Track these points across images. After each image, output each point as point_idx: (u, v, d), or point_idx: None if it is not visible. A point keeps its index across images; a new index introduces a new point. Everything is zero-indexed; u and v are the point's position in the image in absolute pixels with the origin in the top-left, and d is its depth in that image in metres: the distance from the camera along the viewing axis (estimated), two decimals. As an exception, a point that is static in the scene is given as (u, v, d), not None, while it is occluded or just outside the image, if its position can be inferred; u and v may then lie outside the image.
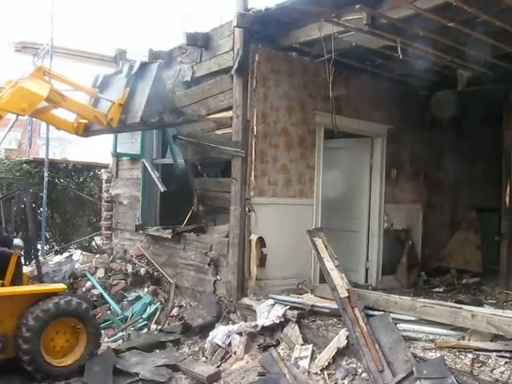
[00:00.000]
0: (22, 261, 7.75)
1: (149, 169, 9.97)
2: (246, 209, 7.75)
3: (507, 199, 8.99)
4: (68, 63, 13.57)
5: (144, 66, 7.34)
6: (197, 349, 7.39)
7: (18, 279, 6.60)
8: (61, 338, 6.55)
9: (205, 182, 9.02)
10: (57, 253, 12.01)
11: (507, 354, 5.21)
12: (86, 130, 7.50)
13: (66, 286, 7.23)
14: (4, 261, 6.45)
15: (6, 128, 6.94)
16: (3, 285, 6.38)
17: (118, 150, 10.41)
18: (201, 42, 8.41)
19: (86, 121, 7.33)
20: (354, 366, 5.79)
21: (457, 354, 5.39)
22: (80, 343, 6.61)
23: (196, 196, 9.05)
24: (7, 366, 6.24)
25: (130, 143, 10.08)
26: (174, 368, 6.64)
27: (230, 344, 6.93)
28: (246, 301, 7.60)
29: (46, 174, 12.37)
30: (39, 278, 7.23)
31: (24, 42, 13.99)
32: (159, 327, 8.23)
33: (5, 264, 6.43)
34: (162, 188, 9.61)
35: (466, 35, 6.82)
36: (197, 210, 9.12)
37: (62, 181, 13.87)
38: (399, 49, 6.92)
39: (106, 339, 8.14)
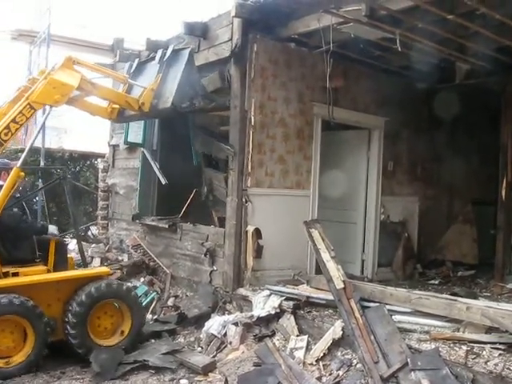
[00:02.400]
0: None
1: (149, 159, 9.94)
2: (243, 200, 7.75)
3: (503, 192, 9.01)
4: (65, 52, 13.49)
5: (176, 52, 7.48)
6: (192, 339, 7.40)
7: (62, 265, 6.91)
8: (106, 320, 6.83)
9: (209, 173, 9.07)
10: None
11: (501, 346, 5.23)
12: (119, 116, 7.65)
13: (109, 270, 7.54)
14: (48, 248, 6.79)
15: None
16: (49, 271, 6.67)
17: (128, 139, 10.37)
18: (199, 32, 8.36)
19: (118, 106, 7.48)
20: (349, 357, 5.80)
21: (451, 345, 5.41)
22: (125, 323, 6.87)
23: (205, 186, 9.12)
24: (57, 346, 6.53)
25: (134, 132, 10.09)
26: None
27: (225, 334, 6.93)
28: (242, 291, 7.61)
29: (41, 163, 12.32)
30: (83, 263, 7.46)
31: (20, 29, 13.92)
32: (155, 317, 8.23)
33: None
34: (163, 181, 9.60)
35: (465, 28, 6.82)
36: (206, 200, 9.22)
37: (58, 170, 13.81)
38: (398, 41, 6.90)
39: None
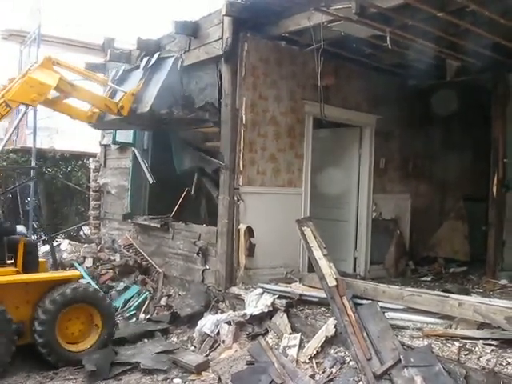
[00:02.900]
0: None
1: (139, 158, 9.93)
2: (235, 198, 7.75)
3: (495, 189, 9.05)
4: (55, 51, 13.42)
5: (161, 59, 7.45)
6: (185, 338, 7.39)
7: (33, 266, 6.72)
8: (75, 324, 6.64)
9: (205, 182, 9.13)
10: (45, 242, 11.96)
11: (494, 342, 5.24)
12: (99, 120, 7.52)
13: (80, 273, 7.40)
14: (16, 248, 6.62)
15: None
16: (18, 272, 6.49)
17: (116, 139, 10.36)
18: (190, 31, 8.33)
19: (99, 110, 7.37)
20: (342, 354, 5.81)
21: (444, 342, 5.42)
22: (95, 330, 6.69)
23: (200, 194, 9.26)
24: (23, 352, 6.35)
25: (125, 132, 10.07)
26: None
27: (218, 333, 6.94)
28: (234, 290, 7.60)
29: (33, 163, 12.29)
30: (54, 265, 7.37)
31: (11, 29, 13.90)
32: (148, 317, 8.22)
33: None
34: (151, 179, 9.59)
35: (454, 25, 6.84)
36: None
37: (49, 170, 13.80)
38: (388, 38, 6.91)
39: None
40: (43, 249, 10.26)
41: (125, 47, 10.47)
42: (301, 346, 6.14)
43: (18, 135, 16.02)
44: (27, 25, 13.85)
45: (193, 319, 7.54)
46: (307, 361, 5.90)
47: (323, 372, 5.66)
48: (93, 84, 7.73)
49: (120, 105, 7.08)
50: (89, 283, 7.49)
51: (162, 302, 8.56)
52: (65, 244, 10.33)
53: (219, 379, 5.91)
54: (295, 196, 8.33)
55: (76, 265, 9.41)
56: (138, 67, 7.76)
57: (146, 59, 7.56)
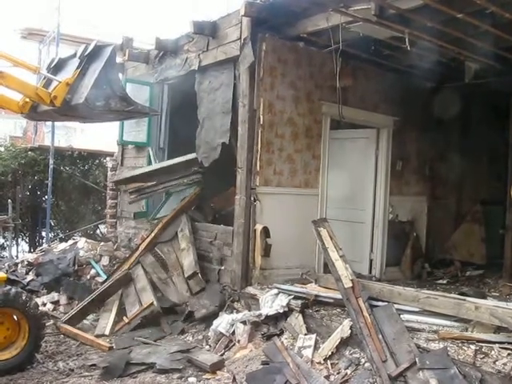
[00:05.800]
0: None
1: (151, 158, 10.01)
2: (251, 198, 7.76)
3: (512, 192, 8.98)
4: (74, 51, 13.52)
5: (98, 48, 6.85)
6: (200, 337, 7.42)
7: None
8: (1, 331, 6.25)
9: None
10: (61, 240, 12.07)
11: (510, 346, 5.22)
12: (32, 111, 6.92)
13: (5, 276, 6.95)
14: None
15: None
16: None
17: (124, 138, 10.41)
18: (208, 31, 8.37)
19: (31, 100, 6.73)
20: (357, 356, 5.81)
21: (460, 345, 5.40)
22: (20, 338, 6.29)
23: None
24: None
25: (136, 131, 10.07)
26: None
27: (233, 333, 6.96)
28: (250, 290, 7.61)
29: (51, 162, 12.41)
30: None
31: (30, 28, 14.00)
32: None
33: None
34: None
35: (474, 27, 6.80)
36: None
37: (67, 168, 13.92)
38: (407, 40, 6.90)
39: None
40: (60, 246, 10.41)
41: (143, 47, 10.54)
42: (316, 347, 6.14)
43: (37, 134, 16.20)
44: (46, 24, 13.97)
45: (208, 318, 7.56)
46: (322, 362, 5.90)
47: (338, 373, 5.66)
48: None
49: (53, 95, 6.43)
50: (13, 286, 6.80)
51: (178, 300, 8.58)
52: (81, 242, 10.38)
53: (234, 379, 5.93)
54: (312, 197, 8.33)
55: (92, 263, 9.48)
56: (74, 55, 7.07)
57: (83, 47, 6.92)
